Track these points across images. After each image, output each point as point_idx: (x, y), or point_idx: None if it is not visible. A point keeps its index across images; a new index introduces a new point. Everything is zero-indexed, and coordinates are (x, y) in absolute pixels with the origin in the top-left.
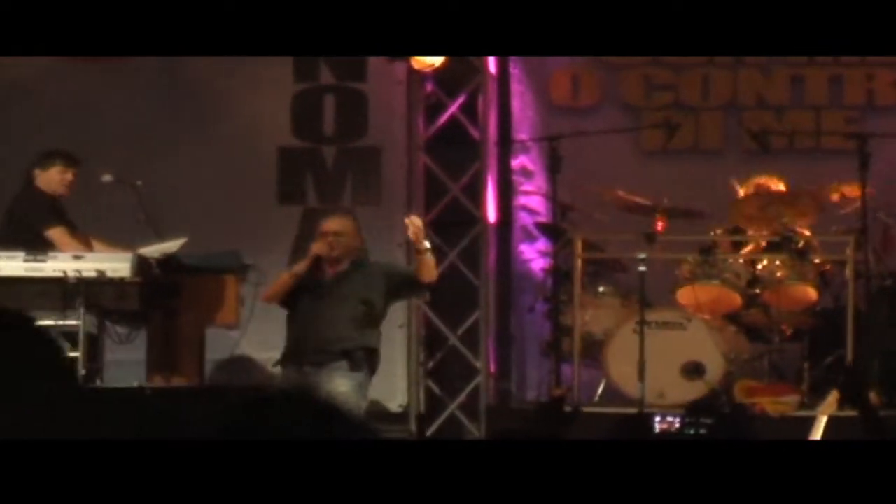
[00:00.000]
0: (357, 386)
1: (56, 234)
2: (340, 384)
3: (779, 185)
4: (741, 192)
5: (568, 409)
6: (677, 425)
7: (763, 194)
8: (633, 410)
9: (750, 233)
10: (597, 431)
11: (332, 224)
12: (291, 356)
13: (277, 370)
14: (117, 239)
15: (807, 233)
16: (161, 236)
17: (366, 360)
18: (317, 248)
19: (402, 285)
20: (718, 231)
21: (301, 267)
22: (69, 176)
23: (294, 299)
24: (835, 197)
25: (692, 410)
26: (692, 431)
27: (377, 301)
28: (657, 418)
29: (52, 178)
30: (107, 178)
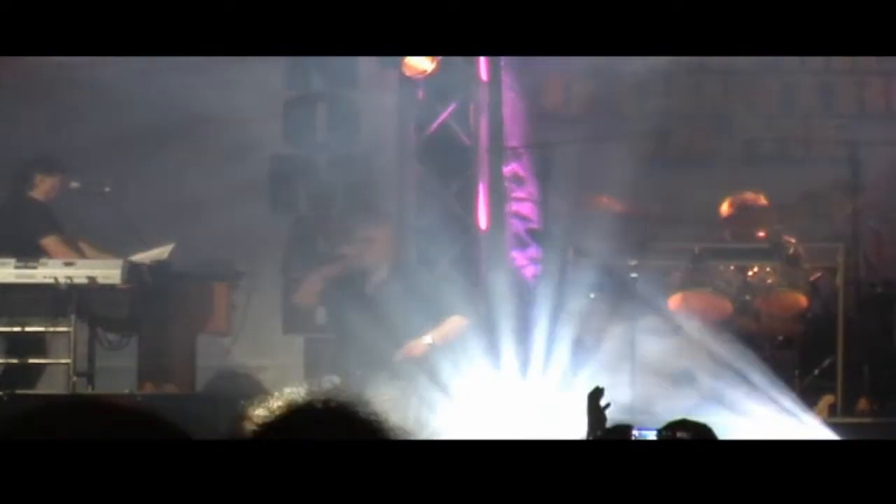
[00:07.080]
0: (401, 394)
1: (50, 242)
2: (385, 393)
3: (762, 201)
4: (724, 208)
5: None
6: (653, 439)
7: (748, 210)
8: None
9: (739, 241)
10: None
11: (365, 230)
12: (337, 363)
13: (333, 382)
14: (106, 246)
15: (795, 240)
16: (147, 243)
17: (406, 371)
18: (347, 252)
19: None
20: (709, 238)
21: (330, 270)
22: (67, 183)
23: (335, 306)
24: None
25: (669, 426)
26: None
27: (418, 310)
28: (634, 432)
29: (54, 185)
30: (74, 184)
